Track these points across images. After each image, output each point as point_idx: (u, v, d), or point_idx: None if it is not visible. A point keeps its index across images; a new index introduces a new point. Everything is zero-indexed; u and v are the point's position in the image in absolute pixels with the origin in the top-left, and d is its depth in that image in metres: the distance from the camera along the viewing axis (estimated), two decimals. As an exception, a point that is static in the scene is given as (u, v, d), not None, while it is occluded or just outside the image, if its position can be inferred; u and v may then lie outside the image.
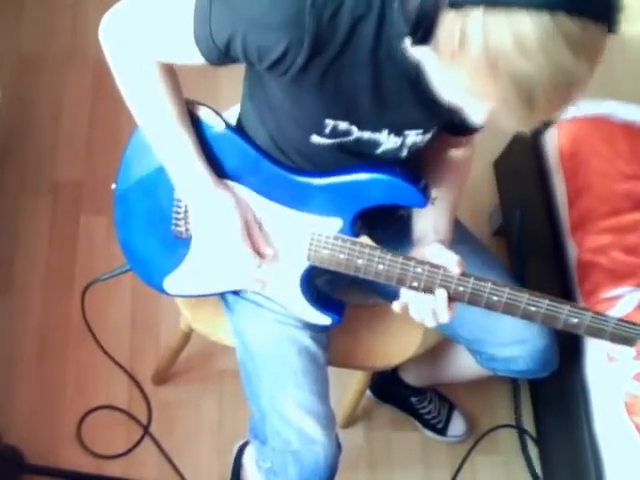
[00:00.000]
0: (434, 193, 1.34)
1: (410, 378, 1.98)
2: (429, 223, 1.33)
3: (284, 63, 1.07)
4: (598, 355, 1.67)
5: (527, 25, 0.83)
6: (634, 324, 1.22)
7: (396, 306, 1.26)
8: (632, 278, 1.69)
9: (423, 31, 0.90)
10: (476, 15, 0.84)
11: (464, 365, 1.65)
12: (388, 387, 2.02)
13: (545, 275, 1.95)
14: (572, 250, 1.83)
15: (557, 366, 1.54)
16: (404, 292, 1.26)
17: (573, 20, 0.83)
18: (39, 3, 2.57)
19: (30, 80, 2.42)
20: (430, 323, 1.25)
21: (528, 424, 2.05)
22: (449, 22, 0.87)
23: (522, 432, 2.04)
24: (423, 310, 1.25)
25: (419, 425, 2.04)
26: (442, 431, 2.03)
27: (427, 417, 2.01)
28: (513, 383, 2.08)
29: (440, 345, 1.79)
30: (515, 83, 0.86)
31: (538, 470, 2.00)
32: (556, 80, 0.86)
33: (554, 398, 1.89)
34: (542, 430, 2.00)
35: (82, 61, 2.44)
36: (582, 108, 1.98)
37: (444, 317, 1.23)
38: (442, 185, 1.37)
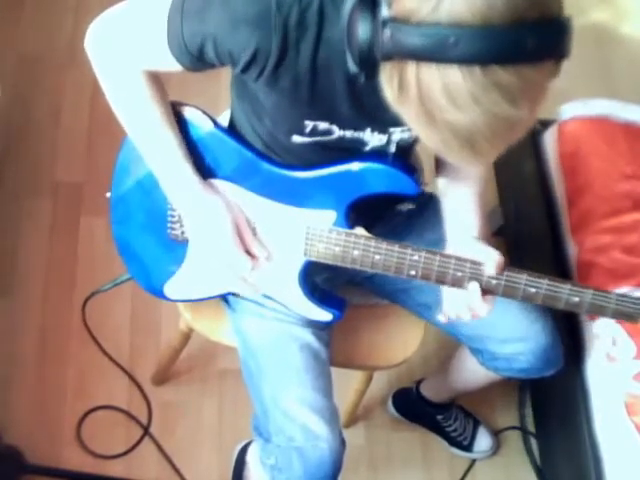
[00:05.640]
0: (454, 192, 1.35)
1: (429, 393, 1.97)
2: (456, 219, 1.33)
3: (256, 66, 1.08)
4: (598, 355, 1.67)
5: (458, 79, 0.81)
6: (637, 299, 1.21)
7: (442, 318, 1.33)
8: (632, 278, 1.69)
9: (368, 71, 0.92)
10: (411, 66, 0.84)
11: (473, 369, 1.64)
12: (413, 406, 2.01)
13: (545, 275, 1.94)
14: (572, 250, 1.83)
15: (562, 365, 1.53)
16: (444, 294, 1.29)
17: (507, 70, 0.81)
18: (39, 3, 2.58)
19: (30, 81, 2.42)
20: (466, 317, 1.28)
21: (528, 424, 2.05)
22: (389, 69, 0.87)
23: (528, 435, 2.04)
24: (458, 306, 1.28)
25: (445, 444, 2.02)
26: (468, 447, 2.02)
27: (453, 434, 2.01)
28: (519, 385, 2.06)
29: (450, 352, 1.80)
30: (453, 131, 0.86)
31: (539, 471, 2.00)
32: (495, 127, 0.85)
33: (554, 398, 1.89)
34: (542, 430, 1.99)
35: (82, 62, 2.40)
36: (582, 108, 1.98)
37: (482, 311, 1.26)
38: (460, 183, 1.36)
